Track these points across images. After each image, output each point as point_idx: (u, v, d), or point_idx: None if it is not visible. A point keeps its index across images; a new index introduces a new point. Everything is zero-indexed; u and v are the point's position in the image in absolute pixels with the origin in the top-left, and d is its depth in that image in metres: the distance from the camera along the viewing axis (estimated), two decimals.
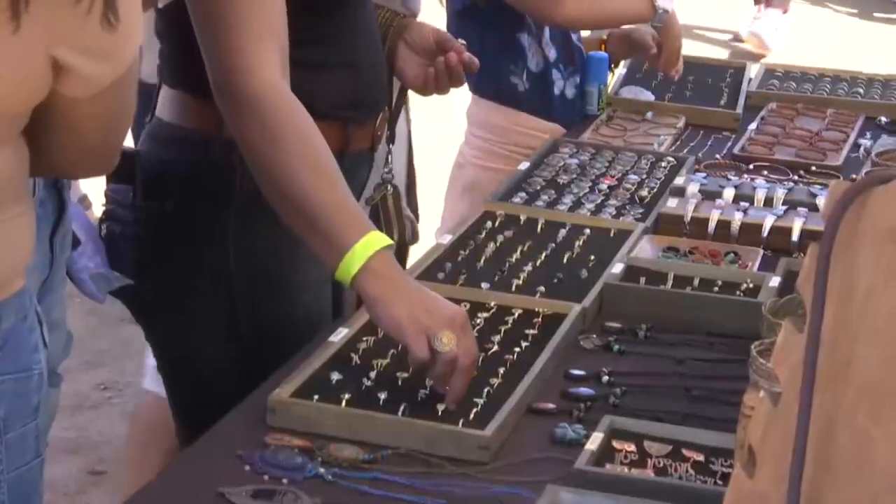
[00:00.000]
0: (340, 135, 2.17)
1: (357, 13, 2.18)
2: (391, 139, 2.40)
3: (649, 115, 3.14)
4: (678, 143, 3.02)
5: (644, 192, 2.61)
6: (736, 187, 2.58)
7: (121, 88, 1.55)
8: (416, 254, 2.44)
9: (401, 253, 2.35)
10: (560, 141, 2.91)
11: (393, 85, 2.42)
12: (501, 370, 1.85)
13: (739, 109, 3.20)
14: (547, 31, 3.09)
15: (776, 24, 7.35)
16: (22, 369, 1.61)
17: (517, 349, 1.92)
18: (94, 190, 2.21)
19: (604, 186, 2.63)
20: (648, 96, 3.24)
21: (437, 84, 2.32)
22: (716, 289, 2.16)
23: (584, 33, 3.28)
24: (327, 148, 1.95)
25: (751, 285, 2.16)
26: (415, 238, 2.56)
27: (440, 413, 1.72)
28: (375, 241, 1.86)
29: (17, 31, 1.39)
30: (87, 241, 2.09)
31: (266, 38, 1.96)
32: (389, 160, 2.38)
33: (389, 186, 2.35)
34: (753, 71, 3.53)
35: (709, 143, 3.02)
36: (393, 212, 2.35)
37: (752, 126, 3.07)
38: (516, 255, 2.27)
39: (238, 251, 2.13)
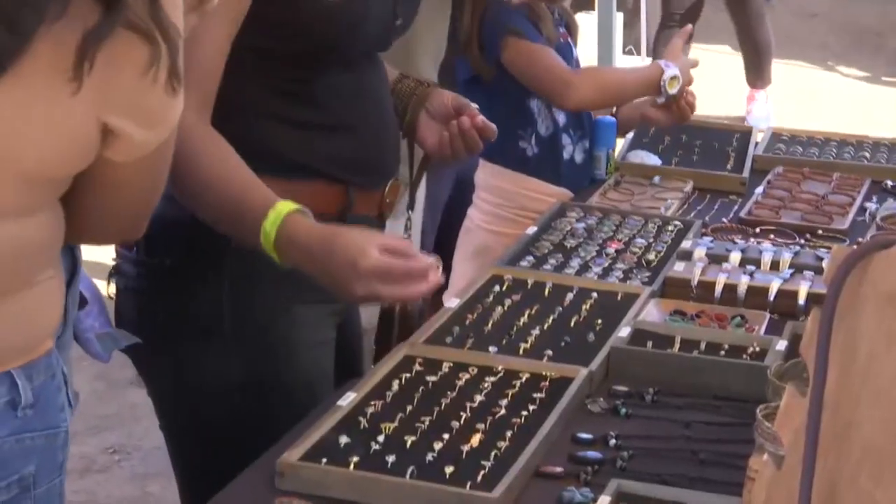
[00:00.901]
0: (341, 197, 2.18)
1: (360, 74, 2.19)
2: (411, 205, 2.41)
3: (657, 179, 3.16)
4: (685, 206, 3.03)
5: (651, 256, 2.62)
6: (742, 251, 2.59)
7: (163, 151, 1.60)
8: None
9: (407, 322, 2.33)
10: (567, 205, 2.93)
11: (413, 153, 2.42)
12: (509, 433, 1.86)
13: (746, 173, 3.21)
14: None
15: (764, 105, 7.41)
16: (50, 426, 1.65)
17: (524, 412, 1.92)
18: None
19: (611, 250, 2.65)
20: (655, 161, 3.26)
21: (451, 149, 2.32)
22: (722, 352, 2.17)
23: None
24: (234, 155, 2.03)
25: (757, 349, 2.17)
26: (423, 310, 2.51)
27: (448, 476, 1.73)
28: (272, 217, 1.96)
29: (76, 94, 1.42)
30: (92, 301, 2.11)
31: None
32: (409, 226, 2.39)
33: (407, 235, 2.36)
34: (760, 135, 3.55)
35: (716, 206, 3.03)
36: None
37: (759, 190, 3.08)
38: (524, 319, 2.28)
39: (232, 309, 2.15)
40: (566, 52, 3.16)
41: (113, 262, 2.22)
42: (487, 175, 3.21)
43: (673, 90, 3.07)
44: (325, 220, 2.11)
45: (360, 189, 2.21)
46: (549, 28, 3.08)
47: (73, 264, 1.96)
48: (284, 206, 1.97)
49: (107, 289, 2.21)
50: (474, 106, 2.33)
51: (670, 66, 3.07)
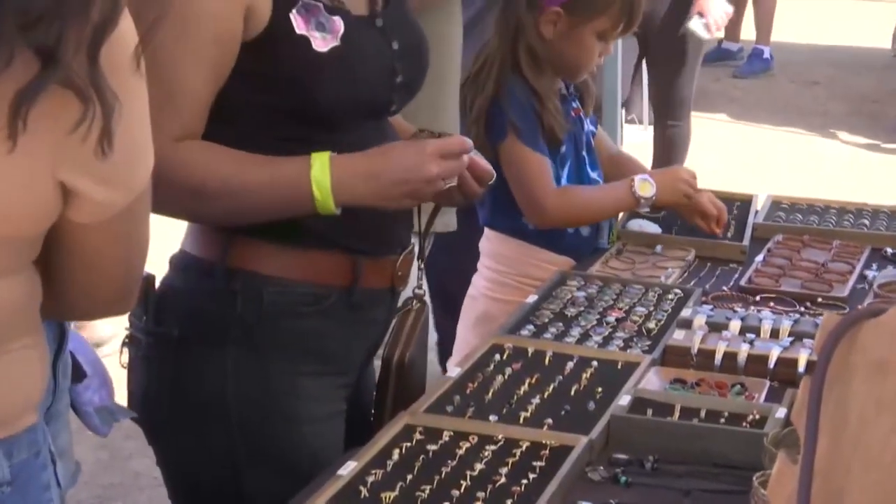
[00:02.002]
0: (347, 268, 2.19)
1: (366, 139, 2.20)
2: (421, 256, 2.42)
3: (658, 248, 3.17)
4: (686, 275, 3.04)
5: (651, 325, 2.63)
6: (742, 319, 2.60)
7: (132, 216, 1.57)
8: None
9: (402, 373, 2.33)
10: (568, 273, 2.94)
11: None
12: (509, 502, 1.86)
13: (746, 241, 3.23)
14: (567, 168, 3.14)
15: None
16: None
17: (524, 481, 1.93)
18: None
19: (611, 319, 2.66)
20: (655, 229, 3.28)
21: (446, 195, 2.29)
22: (722, 420, 2.17)
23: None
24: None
25: (757, 417, 2.18)
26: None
27: None
28: (318, 163, 2.05)
29: (12, 151, 1.39)
30: (92, 374, 2.12)
31: (155, 110, 2.01)
32: (421, 276, 2.40)
33: (415, 302, 2.37)
34: (760, 203, 3.57)
35: (716, 274, 3.05)
36: (407, 330, 2.35)
37: (759, 258, 3.10)
38: (524, 388, 2.29)
39: (236, 380, 2.16)
40: (577, 128, 3.18)
41: (126, 331, 2.23)
42: (491, 243, 3.23)
43: (647, 193, 3.08)
44: (334, 293, 2.14)
45: (371, 258, 2.22)
46: (554, 123, 3.07)
47: (60, 334, 1.96)
48: (321, 154, 2.07)
49: (120, 357, 2.23)
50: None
51: (639, 181, 3.09)
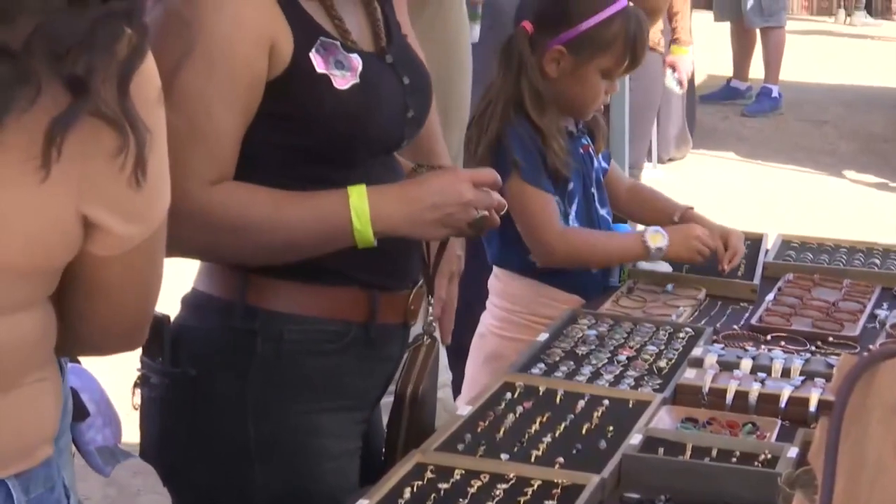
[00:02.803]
0: (364, 303, 2.20)
1: (377, 175, 2.21)
2: (431, 291, 2.42)
3: (669, 287, 3.17)
4: (696, 313, 3.04)
5: (662, 363, 2.63)
6: (753, 358, 2.60)
7: (149, 249, 1.58)
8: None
9: (414, 408, 2.33)
10: (579, 312, 2.94)
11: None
12: None
13: (756, 280, 3.22)
14: (575, 205, 3.15)
15: None
16: None
17: None
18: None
19: (622, 357, 2.66)
20: (666, 268, 3.27)
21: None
22: (734, 459, 2.17)
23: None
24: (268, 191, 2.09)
25: (769, 456, 2.17)
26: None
27: None
28: (356, 194, 2.09)
29: (45, 181, 1.42)
30: (96, 413, 2.12)
31: (187, 155, 2.03)
32: (430, 312, 2.40)
33: (426, 338, 2.37)
34: (770, 242, 3.57)
35: (727, 313, 3.04)
36: (418, 366, 2.35)
37: (770, 297, 3.10)
38: (535, 426, 2.29)
39: (257, 419, 2.16)
40: (586, 165, 3.19)
41: (138, 373, 2.23)
42: (500, 281, 3.23)
43: (658, 243, 3.08)
44: (352, 329, 2.14)
45: (386, 293, 2.23)
46: (558, 162, 3.07)
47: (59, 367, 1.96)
48: (358, 186, 2.11)
49: (132, 399, 2.22)
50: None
51: (652, 232, 3.10)
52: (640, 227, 3.24)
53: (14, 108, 1.39)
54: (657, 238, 3.08)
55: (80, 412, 2.23)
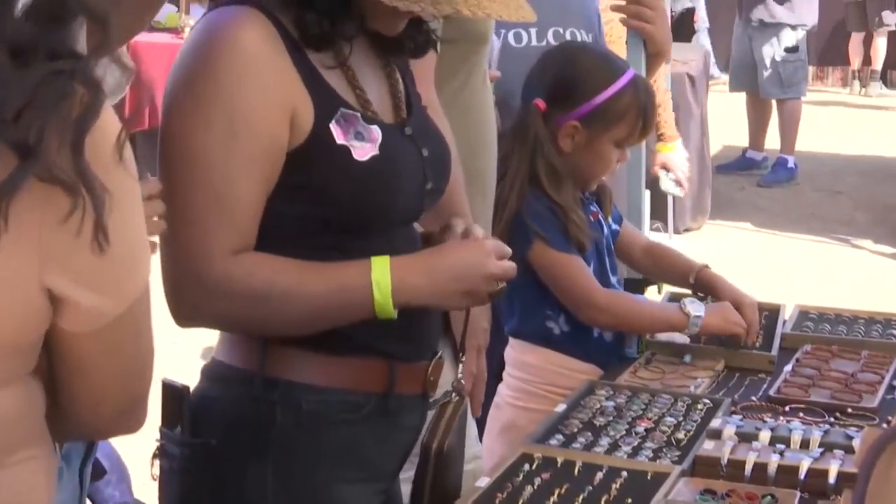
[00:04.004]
0: (382, 373, 2.20)
1: (395, 245, 2.21)
2: (462, 348, 2.43)
3: (687, 358, 3.16)
4: (714, 385, 3.03)
5: (681, 435, 2.62)
6: (772, 430, 2.59)
7: (125, 326, 1.53)
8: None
9: (440, 462, 2.32)
10: (596, 383, 2.94)
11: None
12: None
13: (774, 352, 3.22)
14: (590, 271, 3.15)
15: None
16: None
17: None
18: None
19: (640, 429, 2.65)
20: (684, 339, 3.27)
21: None
22: None
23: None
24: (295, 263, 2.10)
25: None
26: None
27: None
28: (378, 266, 2.09)
29: None
30: (112, 469, 2.12)
31: (209, 224, 2.04)
32: (460, 368, 2.40)
33: (455, 395, 2.37)
34: (788, 312, 3.57)
35: (745, 384, 3.04)
36: (445, 421, 2.34)
37: (788, 368, 3.09)
38: (553, 499, 2.28)
39: (277, 489, 2.15)
40: (598, 232, 3.20)
41: (157, 443, 2.23)
42: (516, 351, 3.23)
43: (697, 311, 3.10)
44: (371, 400, 2.15)
45: (405, 363, 2.23)
46: (579, 233, 3.10)
47: (88, 443, 1.95)
48: (381, 257, 2.12)
49: (151, 470, 2.22)
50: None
51: (689, 301, 3.13)
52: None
53: None
54: (695, 306, 3.12)
55: (96, 471, 2.23)
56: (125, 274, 1.49)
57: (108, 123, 1.44)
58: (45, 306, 1.45)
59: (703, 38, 13.10)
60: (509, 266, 2.22)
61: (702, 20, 13.32)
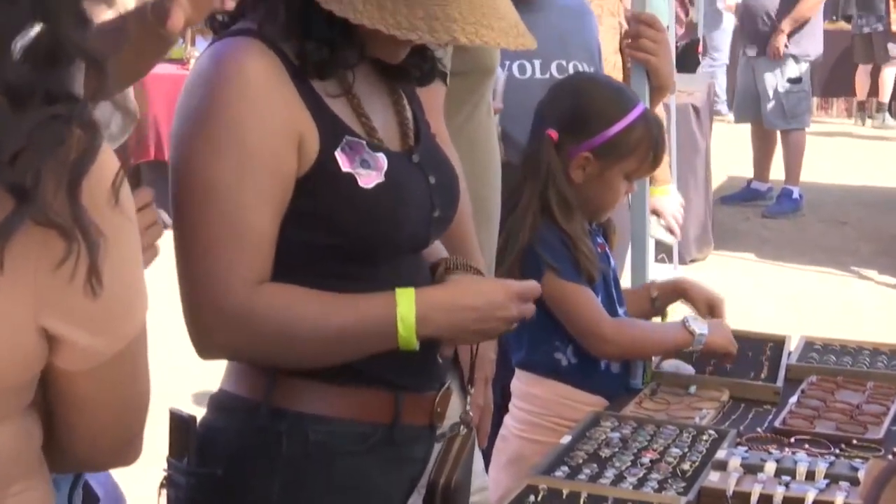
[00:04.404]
0: (389, 404, 2.20)
1: (405, 273, 2.22)
2: (471, 380, 2.43)
3: (692, 389, 3.17)
4: (720, 416, 3.03)
5: (686, 466, 2.62)
6: (777, 461, 2.59)
7: (122, 365, 1.53)
8: None
9: (447, 497, 2.31)
10: (602, 414, 2.94)
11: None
12: None
13: (780, 383, 3.22)
14: (599, 302, 3.16)
15: None
16: None
17: None
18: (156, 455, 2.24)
19: (646, 460, 2.65)
20: (689, 370, 3.27)
21: None
22: None
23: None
24: (315, 294, 2.11)
25: None
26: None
27: None
28: (403, 300, 2.10)
29: None
30: (106, 497, 2.12)
31: (224, 254, 2.06)
32: (469, 401, 2.40)
33: (463, 428, 2.37)
34: (793, 344, 3.56)
35: (750, 416, 3.04)
36: (453, 455, 2.33)
37: (793, 399, 3.09)
38: None
39: None
40: (605, 264, 3.20)
41: (164, 473, 2.23)
42: (522, 383, 3.23)
43: (700, 329, 3.13)
44: (377, 430, 2.15)
45: (411, 394, 2.23)
46: (589, 264, 3.11)
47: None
48: (406, 290, 2.13)
49: (158, 501, 2.22)
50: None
51: (692, 319, 3.16)
52: None
53: None
54: (698, 323, 3.14)
55: (89, 497, 2.23)
56: (122, 314, 1.50)
57: (106, 166, 1.44)
58: (42, 346, 1.46)
59: (718, 75, 13.11)
60: (530, 309, 2.24)
61: (716, 56, 13.30)
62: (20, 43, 1.38)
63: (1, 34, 1.37)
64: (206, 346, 2.11)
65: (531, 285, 2.26)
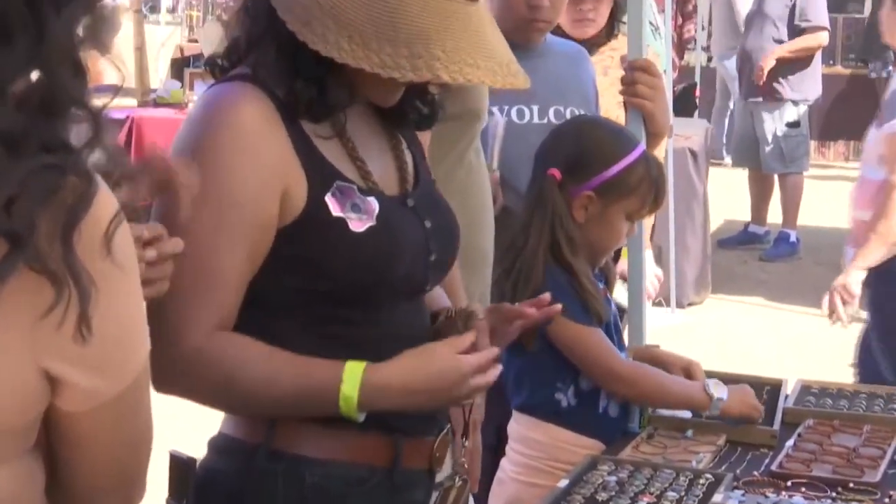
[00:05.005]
0: (387, 448, 2.21)
1: (404, 317, 2.24)
2: (465, 433, 2.44)
3: (689, 433, 3.17)
4: (716, 459, 3.04)
5: None
6: None
7: (123, 405, 1.54)
8: None
9: None
10: (599, 458, 2.94)
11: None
12: None
13: (776, 426, 3.22)
14: None
15: None
16: None
17: None
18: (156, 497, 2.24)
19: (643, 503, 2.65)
20: (686, 414, 3.28)
21: None
22: None
23: None
24: (268, 349, 2.10)
25: None
26: None
27: None
28: (349, 378, 2.09)
29: None
30: None
31: (190, 299, 2.07)
32: (463, 452, 2.41)
33: (458, 479, 2.37)
34: (790, 387, 3.57)
35: (747, 459, 3.04)
36: None
37: (790, 443, 3.09)
38: None
39: None
40: (607, 307, 3.21)
41: None
42: (520, 426, 3.24)
43: (720, 393, 3.13)
44: (375, 474, 2.15)
45: (410, 438, 2.24)
46: (597, 305, 3.12)
47: None
48: (356, 366, 2.10)
49: None
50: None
51: (713, 383, 3.15)
52: None
53: None
54: (719, 388, 3.14)
55: None
56: (122, 356, 1.51)
57: (100, 215, 1.44)
58: (43, 387, 1.46)
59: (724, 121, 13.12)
60: (489, 379, 2.22)
61: (727, 102, 13.29)
62: (15, 90, 1.38)
63: None
64: (159, 381, 2.08)
65: (490, 354, 2.23)
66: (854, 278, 4.85)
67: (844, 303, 4.85)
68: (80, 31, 1.42)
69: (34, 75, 1.40)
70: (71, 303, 1.39)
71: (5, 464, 1.50)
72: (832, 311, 4.83)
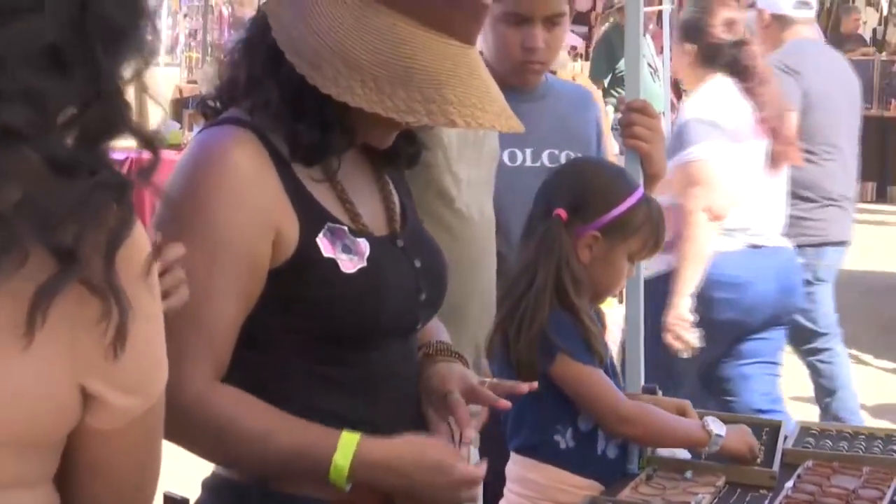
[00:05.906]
0: (381, 492, 2.20)
1: (393, 352, 2.24)
2: None
3: (688, 474, 3.16)
4: (716, 500, 3.03)
5: None
6: None
7: (147, 424, 1.57)
8: None
9: None
10: (598, 499, 2.93)
11: None
12: None
13: (776, 468, 3.21)
14: None
15: None
16: None
17: None
18: None
19: None
20: (685, 454, 3.27)
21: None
22: None
23: None
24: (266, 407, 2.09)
25: None
26: None
27: None
28: (344, 446, 2.06)
29: (28, 348, 1.41)
30: None
31: (183, 341, 2.03)
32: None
33: None
34: (789, 429, 3.56)
35: (746, 500, 3.03)
36: None
37: (789, 484, 3.08)
38: None
39: None
40: (605, 347, 3.22)
41: None
42: (518, 467, 3.23)
43: (718, 430, 3.13)
44: None
45: None
46: (598, 344, 3.12)
47: None
48: (350, 438, 2.08)
49: None
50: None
51: (711, 420, 3.16)
52: None
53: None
54: (717, 425, 3.13)
55: None
56: (150, 375, 1.55)
57: (140, 240, 1.51)
58: (78, 404, 1.49)
59: None
60: (472, 498, 2.22)
61: None
62: (68, 117, 1.45)
63: (51, 108, 1.43)
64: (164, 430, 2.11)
65: (477, 477, 2.22)
66: (683, 308, 4.99)
67: (685, 331, 4.96)
68: (126, 69, 1.49)
69: (90, 103, 1.46)
70: (112, 319, 1.44)
71: (31, 488, 1.53)
72: (681, 343, 4.95)
